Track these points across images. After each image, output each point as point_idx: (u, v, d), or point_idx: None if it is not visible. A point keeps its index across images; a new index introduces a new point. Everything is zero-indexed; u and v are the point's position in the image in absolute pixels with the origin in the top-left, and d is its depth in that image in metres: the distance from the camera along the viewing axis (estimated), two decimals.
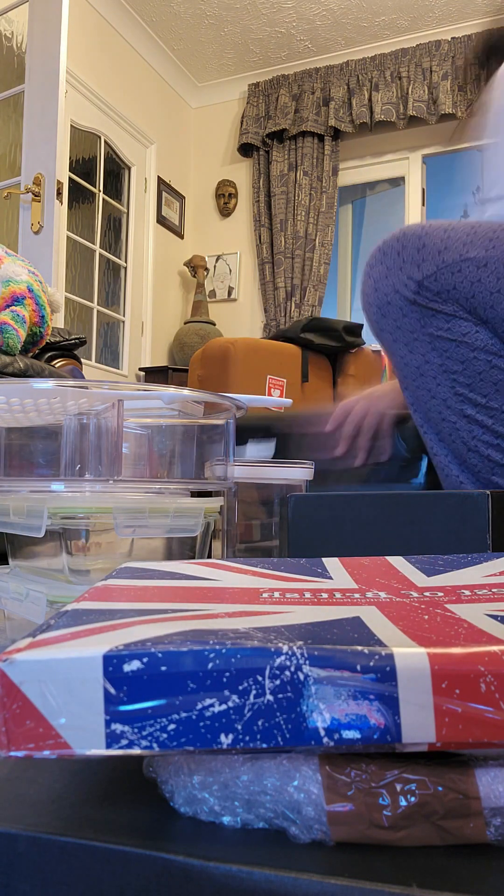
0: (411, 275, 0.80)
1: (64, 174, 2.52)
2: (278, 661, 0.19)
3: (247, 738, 0.19)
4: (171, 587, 0.31)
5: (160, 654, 0.20)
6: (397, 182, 3.72)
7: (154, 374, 3.46)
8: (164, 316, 3.84)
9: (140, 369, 3.56)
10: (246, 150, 3.83)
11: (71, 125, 3.01)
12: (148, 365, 3.64)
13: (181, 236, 3.97)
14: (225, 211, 3.93)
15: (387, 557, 0.39)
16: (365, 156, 3.70)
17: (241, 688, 0.19)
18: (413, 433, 0.94)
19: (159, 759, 0.22)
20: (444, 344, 0.80)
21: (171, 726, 0.19)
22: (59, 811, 0.22)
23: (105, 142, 3.31)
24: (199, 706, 0.19)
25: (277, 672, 0.19)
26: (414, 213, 3.61)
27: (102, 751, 0.19)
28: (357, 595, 0.29)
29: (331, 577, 0.34)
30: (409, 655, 0.19)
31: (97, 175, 3.30)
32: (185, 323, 3.66)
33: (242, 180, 3.91)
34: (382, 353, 2.75)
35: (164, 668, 0.19)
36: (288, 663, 0.19)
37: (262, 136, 3.69)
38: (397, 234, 0.83)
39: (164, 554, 0.54)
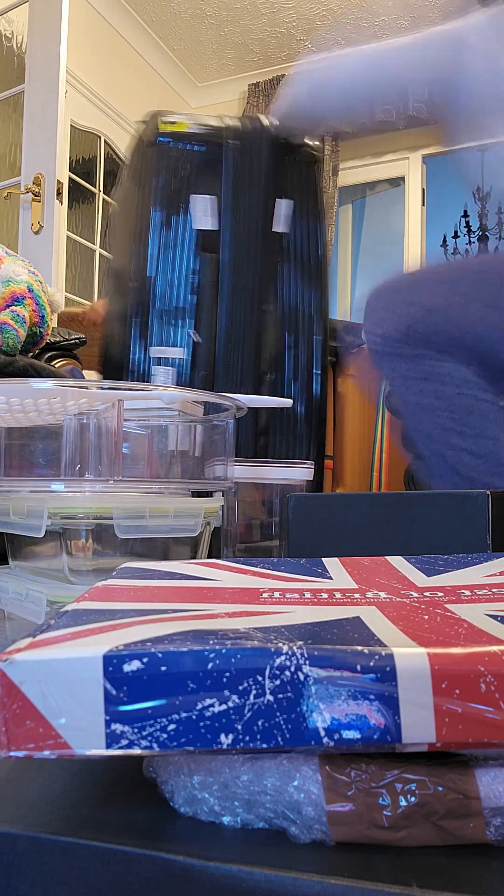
0: (398, 326, 0.89)
1: (64, 174, 2.52)
2: (278, 661, 0.19)
3: (247, 738, 0.19)
4: (171, 587, 0.31)
5: (160, 655, 0.20)
6: (397, 182, 3.72)
7: None
8: None
9: None
10: None
11: (71, 125, 3.01)
12: None
13: None
14: None
15: (387, 557, 0.39)
16: (365, 156, 3.69)
17: (241, 688, 0.19)
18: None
19: (159, 759, 0.22)
20: (433, 385, 0.89)
21: (171, 726, 0.19)
22: (59, 811, 0.22)
23: (105, 142, 3.31)
24: (199, 706, 0.19)
25: (277, 672, 0.19)
26: (414, 213, 3.61)
27: (102, 751, 0.19)
28: (357, 595, 0.29)
29: (331, 577, 0.34)
30: (409, 655, 0.19)
31: (97, 175, 3.30)
32: None
33: None
34: None
35: (164, 669, 0.19)
36: (288, 663, 0.19)
37: None
38: (393, 283, 0.94)
39: (164, 554, 0.54)
